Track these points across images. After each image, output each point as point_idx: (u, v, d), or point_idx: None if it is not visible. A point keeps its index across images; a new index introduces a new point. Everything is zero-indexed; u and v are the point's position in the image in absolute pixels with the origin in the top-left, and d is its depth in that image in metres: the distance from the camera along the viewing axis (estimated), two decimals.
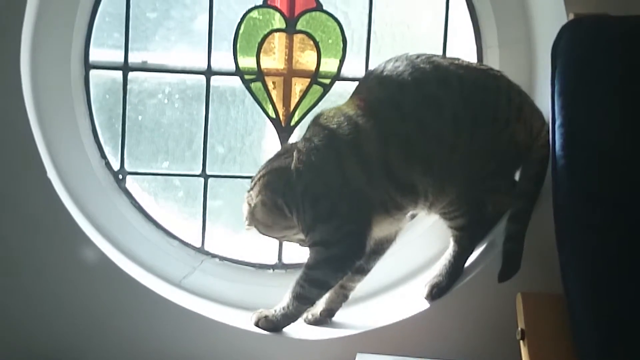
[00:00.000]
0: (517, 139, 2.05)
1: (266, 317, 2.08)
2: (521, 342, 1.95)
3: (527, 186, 2.07)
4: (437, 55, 2.08)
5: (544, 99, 2.15)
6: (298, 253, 2.19)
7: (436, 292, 2.12)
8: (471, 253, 2.13)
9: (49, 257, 2.09)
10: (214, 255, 2.29)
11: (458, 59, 2.08)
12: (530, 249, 2.04)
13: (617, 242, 1.91)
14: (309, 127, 2.05)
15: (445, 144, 2.00)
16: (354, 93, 2.07)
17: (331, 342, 2.11)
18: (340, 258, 2.02)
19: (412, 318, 2.13)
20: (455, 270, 2.13)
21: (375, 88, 2.03)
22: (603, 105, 2.00)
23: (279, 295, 2.09)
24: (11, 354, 2.07)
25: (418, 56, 2.05)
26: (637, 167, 1.96)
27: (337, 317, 2.18)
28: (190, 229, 2.29)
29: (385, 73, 2.03)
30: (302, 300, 2.05)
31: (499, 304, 2.03)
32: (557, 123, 2.01)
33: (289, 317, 2.07)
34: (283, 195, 2.02)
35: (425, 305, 2.14)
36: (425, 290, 2.14)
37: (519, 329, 1.96)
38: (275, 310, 2.08)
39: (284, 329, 2.09)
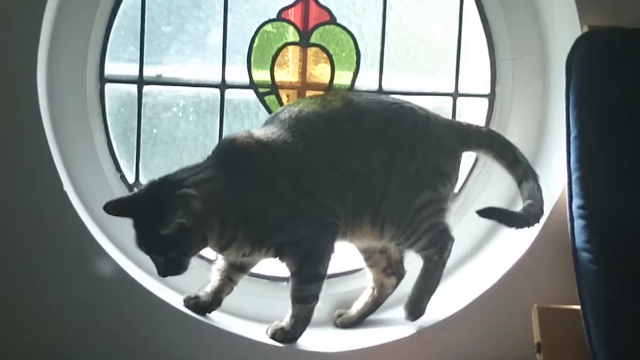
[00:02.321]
0: (442, 168, 2.06)
1: (282, 328, 2.06)
2: (537, 355, 1.94)
3: (516, 170, 2.08)
4: (354, 93, 2.10)
5: (558, 111, 2.15)
6: None
7: (419, 312, 2.11)
8: (444, 264, 2.11)
9: (65, 269, 2.07)
10: None
11: (375, 95, 2.10)
12: (546, 262, 2.03)
13: (634, 256, 1.90)
14: (225, 149, 2.00)
15: (356, 179, 2.00)
16: (265, 123, 2.06)
17: (349, 354, 2.09)
18: (315, 251, 2.02)
19: (428, 330, 2.12)
20: (433, 284, 2.11)
21: (287, 122, 2.01)
22: (618, 117, 1.99)
23: None
24: None
25: (334, 94, 2.10)
26: None
27: (355, 331, 2.17)
28: None
29: (296, 108, 2.02)
30: (306, 300, 2.04)
31: (515, 317, 2.01)
32: (572, 135, 2.01)
33: (302, 322, 2.06)
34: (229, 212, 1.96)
35: (440, 317, 2.12)
36: (405, 312, 2.12)
37: (535, 342, 1.95)
38: (287, 321, 2.06)
39: (299, 340, 2.07)
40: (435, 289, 2.12)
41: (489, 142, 2.11)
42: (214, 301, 2.10)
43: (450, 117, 2.31)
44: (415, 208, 2.04)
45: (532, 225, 2.02)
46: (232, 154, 1.98)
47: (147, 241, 1.91)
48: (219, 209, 1.93)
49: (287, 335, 2.06)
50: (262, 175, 1.97)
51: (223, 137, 2.06)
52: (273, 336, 2.07)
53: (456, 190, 2.15)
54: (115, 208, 1.92)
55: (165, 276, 1.94)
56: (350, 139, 2.01)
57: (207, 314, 2.11)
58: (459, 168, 2.11)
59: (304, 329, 2.06)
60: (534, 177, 2.06)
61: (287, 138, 1.99)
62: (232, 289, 2.11)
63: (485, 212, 2.03)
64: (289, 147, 1.98)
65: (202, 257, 2.24)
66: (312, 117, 2.01)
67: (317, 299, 2.05)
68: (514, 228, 2.03)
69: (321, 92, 2.28)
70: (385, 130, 2.03)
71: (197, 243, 1.93)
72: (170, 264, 1.92)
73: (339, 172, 2.00)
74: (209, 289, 2.11)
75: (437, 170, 2.05)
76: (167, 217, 1.83)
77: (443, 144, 2.07)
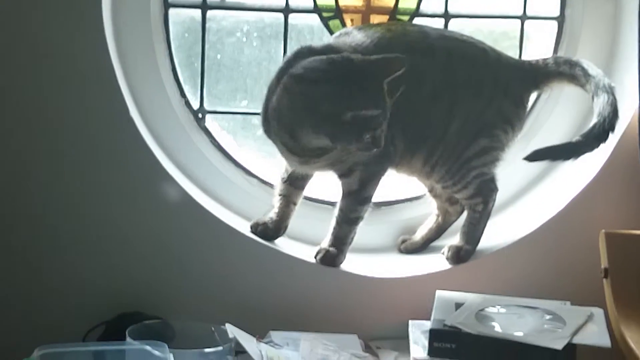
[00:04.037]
0: (505, 113, 2.04)
1: (328, 251, 2.08)
2: (604, 280, 1.93)
3: (589, 86, 2.02)
4: (429, 27, 2.08)
5: (629, 34, 2.10)
6: None
7: (463, 255, 2.11)
8: (489, 214, 2.11)
9: (132, 194, 2.11)
10: None
11: (449, 31, 2.08)
12: (615, 188, 2.01)
13: None
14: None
15: (419, 113, 2.00)
16: (341, 35, 2.04)
17: (412, 280, 2.11)
18: (377, 174, 2.04)
19: (493, 255, 2.13)
20: (477, 233, 2.12)
21: (367, 41, 2.00)
22: None
23: (365, 236, 2.12)
24: (93, 290, 2.10)
25: (412, 25, 2.10)
26: None
27: (418, 257, 2.19)
28: (269, 168, 2.28)
29: (379, 29, 2.02)
30: (356, 222, 2.06)
31: (583, 242, 2.00)
32: None
33: (348, 244, 2.08)
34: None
35: (506, 243, 2.13)
36: (448, 253, 2.12)
37: (602, 267, 1.94)
38: (333, 244, 2.08)
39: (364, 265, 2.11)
40: (479, 239, 2.12)
41: (556, 68, 2.07)
42: (280, 228, 2.13)
43: (518, 41, 2.29)
44: (469, 155, 2.04)
45: (595, 147, 1.96)
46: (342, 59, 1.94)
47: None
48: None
49: (337, 259, 2.08)
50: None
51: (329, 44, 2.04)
52: (324, 260, 2.08)
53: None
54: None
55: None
56: (424, 73, 2.01)
57: (274, 240, 2.14)
58: (523, 115, 2.08)
59: (347, 252, 2.09)
60: (606, 89, 1.98)
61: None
62: (294, 210, 2.14)
63: (534, 156, 1.99)
64: None
65: (265, 182, 2.27)
66: (393, 44, 1.99)
67: (362, 220, 2.07)
68: (573, 159, 2.00)
69: (386, 18, 2.27)
70: (456, 69, 2.02)
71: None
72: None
73: (406, 103, 1.98)
74: (274, 216, 2.13)
75: (499, 114, 2.04)
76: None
77: (510, 88, 2.05)
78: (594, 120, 1.98)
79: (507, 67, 2.07)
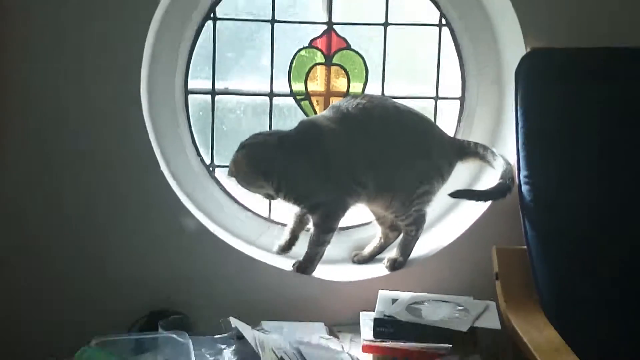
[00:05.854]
0: (442, 171, 2.07)
1: (301, 263, 2.09)
2: (496, 281, 1.95)
3: (496, 162, 2.06)
4: (399, 103, 2.10)
5: (510, 109, 2.12)
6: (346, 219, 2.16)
7: (398, 265, 2.11)
8: (418, 238, 2.12)
9: (161, 229, 2.09)
10: (277, 223, 2.27)
11: (411, 108, 2.10)
12: (506, 214, 2.03)
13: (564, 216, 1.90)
14: (307, 126, 2.04)
15: (390, 168, 2.02)
16: (333, 108, 2.06)
17: (361, 283, 2.10)
18: (337, 211, 2.04)
19: (419, 263, 2.12)
20: (409, 250, 2.12)
21: (348, 111, 2.03)
22: (549, 117, 1.97)
23: (328, 251, 2.11)
24: (134, 294, 2.05)
25: (386, 99, 2.11)
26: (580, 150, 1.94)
27: (366, 266, 2.19)
28: (261, 205, 2.28)
29: (355, 102, 2.04)
30: (322, 245, 2.06)
31: (485, 254, 2.01)
32: (520, 125, 2.01)
33: (317, 260, 2.08)
34: (268, 166, 2.01)
35: (429, 254, 2.13)
36: (387, 263, 2.12)
37: (494, 272, 1.95)
38: (304, 258, 2.08)
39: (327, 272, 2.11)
40: (410, 253, 2.13)
41: (475, 149, 2.10)
42: (292, 239, 2.15)
43: (433, 115, 2.29)
44: (416, 195, 2.06)
45: (501, 198, 2.02)
46: (312, 130, 2.03)
47: None
48: (262, 166, 1.99)
49: (307, 269, 2.08)
50: (325, 153, 2.00)
51: (308, 118, 2.13)
52: (297, 269, 2.09)
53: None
54: None
55: None
56: (395, 138, 2.03)
57: (289, 251, 2.14)
58: (451, 173, 2.10)
59: (316, 265, 2.09)
60: (507, 164, 2.04)
61: (351, 125, 2.02)
62: (304, 227, 2.14)
63: (456, 194, 2.04)
64: (352, 135, 2.01)
65: (257, 215, 2.26)
66: (374, 112, 2.03)
67: (329, 243, 2.07)
68: (490, 201, 2.05)
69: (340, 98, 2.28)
70: (417, 138, 2.06)
71: (258, 185, 2.02)
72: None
73: (382, 158, 2.02)
74: (287, 230, 2.14)
75: (438, 171, 2.07)
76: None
77: (447, 154, 2.08)
78: (499, 180, 2.03)
79: (446, 140, 2.11)
